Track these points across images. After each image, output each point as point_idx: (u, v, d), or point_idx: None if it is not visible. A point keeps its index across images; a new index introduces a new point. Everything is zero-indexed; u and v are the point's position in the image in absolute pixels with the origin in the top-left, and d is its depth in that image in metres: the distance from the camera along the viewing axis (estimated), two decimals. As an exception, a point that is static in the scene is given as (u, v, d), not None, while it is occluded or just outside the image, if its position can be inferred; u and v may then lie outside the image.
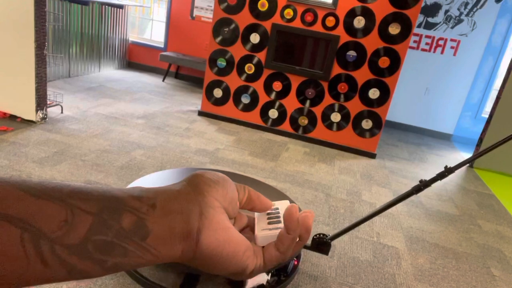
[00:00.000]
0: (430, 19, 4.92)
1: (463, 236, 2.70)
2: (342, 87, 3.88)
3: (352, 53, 3.75)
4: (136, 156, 2.95)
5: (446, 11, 4.84)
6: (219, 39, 4.02)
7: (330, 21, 3.70)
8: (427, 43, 5.01)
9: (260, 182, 2.39)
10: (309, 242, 2.03)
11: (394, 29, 3.59)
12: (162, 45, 6.01)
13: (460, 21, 4.84)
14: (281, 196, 2.27)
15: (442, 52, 4.99)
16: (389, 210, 2.89)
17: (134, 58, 6.20)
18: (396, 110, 5.29)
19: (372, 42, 3.68)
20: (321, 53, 3.86)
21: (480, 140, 4.20)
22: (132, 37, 6.15)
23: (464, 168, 4.25)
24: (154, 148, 3.16)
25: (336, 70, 3.84)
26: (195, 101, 4.90)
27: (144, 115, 4.00)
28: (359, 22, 3.65)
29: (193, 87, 5.71)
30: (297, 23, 3.78)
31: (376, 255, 2.27)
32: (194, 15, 5.68)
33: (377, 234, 2.52)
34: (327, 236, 2.03)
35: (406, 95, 5.23)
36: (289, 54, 3.93)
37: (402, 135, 5.17)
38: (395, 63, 3.67)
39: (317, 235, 2.04)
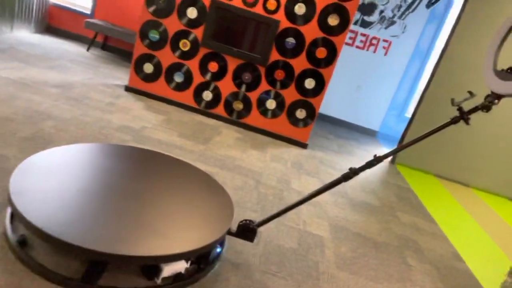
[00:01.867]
0: (366, 18, 5.06)
1: (383, 226, 2.79)
2: (279, 74, 3.81)
3: (291, 40, 3.69)
4: (44, 127, 2.58)
5: (381, 12, 5.02)
6: (152, 8, 3.71)
7: (272, 4, 3.59)
8: (361, 41, 5.15)
9: (188, 164, 2.21)
10: (234, 228, 1.91)
11: (333, 20, 3.59)
12: (88, 11, 5.45)
13: (393, 22, 5.05)
14: (209, 180, 2.12)
15: (375, 51, 5.18)
16: (317, 199, 2.89)
17: (55, 23, 5.55)
18: (329, 104, 5.40)
19: (311, 31, 3.65)
20: (261, 37, 3.75)
21: (402, 137, 4.43)
22: (55, -2, 5.49)
23: (386, 163, 4.46)
24: (68, 121, 2.81)
25: (275, 55, 3.75)
26: (122, 76, 4.52)
27: (61, 84, 3.56)
28: (300, 8, 3.59)
29: (121, 61, 5.27)
30: (238, 2, 3.61)
31: (301, 243, 2.23)
32: (128, -17, 5.22)
33: (303, 222, 2.49)
34: (253, 223, 1.93)
35: (339, 90, 5.35)
36: (228, 34, 3.75)
37: (333, 129, 5.29)
38: (332, 55, 3.68)
39: (243, 221, 1.92)
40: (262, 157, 3.39)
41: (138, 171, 1.97)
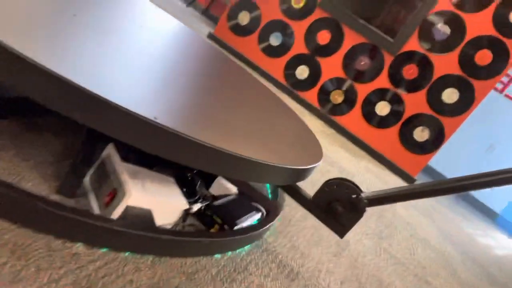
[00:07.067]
0: (531, 63, 3.80)
1: None
2: (410, 71, 2.72)
3: (443, 29, 2.62)
4: None
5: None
6: None
7: (435, -28, 2.60)
8: (515, 90, 3.88)
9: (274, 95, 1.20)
10: (310, 190, 0.82)
11: (518, 15, 2.47)
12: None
13: None
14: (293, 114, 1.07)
15: (529, 109, 3.85)
16: (435, 244, 1.67)
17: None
18: (440, 158, 4.08)
19: (478, 24, 2.55)
20: (402, 13, 2.74)
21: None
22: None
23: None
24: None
25: (412, 44, 2.69)
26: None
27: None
28: (475, -14, 2.54)
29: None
30: (387, -39, 2.69)
31: (422, 298, 1.04)
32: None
33: (421, 267, 1.29)
34: (360, 192, 0.83)
35: (460, 142, 4.03)
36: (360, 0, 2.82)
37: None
38: (498, 62, 2.52)
39: (338, 180, 0.83)
40: (354, 162, 2.26)
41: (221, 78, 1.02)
